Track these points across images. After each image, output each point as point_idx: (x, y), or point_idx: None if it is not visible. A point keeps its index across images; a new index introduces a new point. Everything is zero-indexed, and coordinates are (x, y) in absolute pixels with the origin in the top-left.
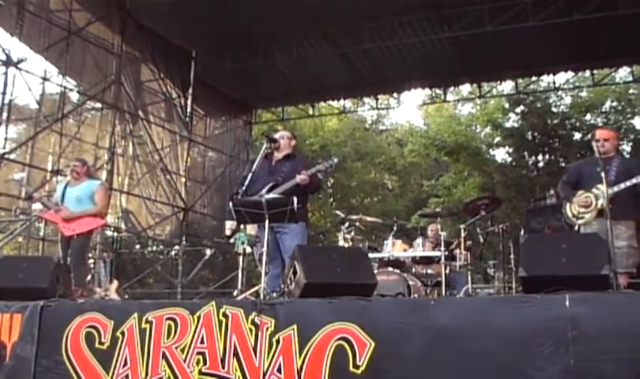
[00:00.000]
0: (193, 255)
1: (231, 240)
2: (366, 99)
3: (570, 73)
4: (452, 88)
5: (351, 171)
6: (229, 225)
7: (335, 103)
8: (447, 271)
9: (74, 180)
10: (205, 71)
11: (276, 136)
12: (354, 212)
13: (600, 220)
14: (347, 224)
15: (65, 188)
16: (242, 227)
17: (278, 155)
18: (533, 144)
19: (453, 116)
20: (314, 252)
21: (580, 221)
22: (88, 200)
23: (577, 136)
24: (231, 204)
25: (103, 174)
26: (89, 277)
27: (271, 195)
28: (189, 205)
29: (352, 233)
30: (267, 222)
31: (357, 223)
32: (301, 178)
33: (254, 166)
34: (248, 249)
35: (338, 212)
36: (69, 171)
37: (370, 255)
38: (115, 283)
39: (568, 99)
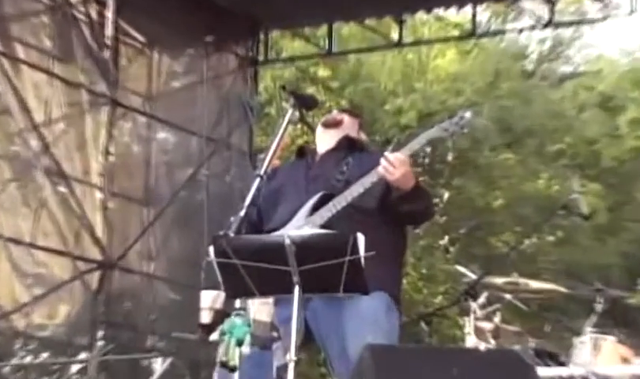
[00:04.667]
0: (126, 372)
1: (214, 336)
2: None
3: None
4: None
5: (489, 170)
6: (208, 301)
7: (453, 15)
8: None
9: None
10: None
11: (341, 109)
12: (498, 266)
13: None
14: (484, 297)
15: None
16: (237, 305)
17: (323, 146)
18: None
19: None
20: (406, 358)
21: None
22: None
23: None
24: (212, 249)
25: None
26: None
27: (306, 230)
28: (112, 256)
29: (498, 315)
30: (297, 292)
31: (508, 294)
32: (390, 160)
33: (268, 160)
34: None
35: (462, 269)
36: None
37: (544, 373)
38: None
39: None
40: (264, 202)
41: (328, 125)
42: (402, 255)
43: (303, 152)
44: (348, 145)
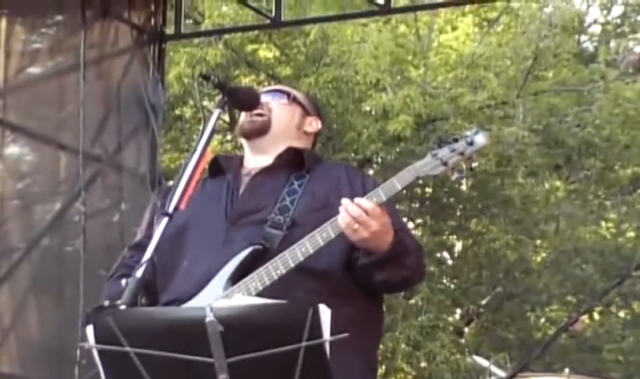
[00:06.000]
0: None
1: None
2: None
3: None
4: None
5: (527, 207)
6: None
7: None
8: None
9: None
10: None
11: (264, 91)
12: (541, 357)
13: None
14: None
15: None
16: None
17: (252, 161)
18: None
19: None
20: None
21: None
22: None
23: None
24: (91, 330)
25: None
26: None
27: (239, 299)
28: None
29: None
30: None
31: None
32: (353, 215)
33: (181, 189)
34: None
35: (483, 362)
36: None
37: None
38: None
39: None
40: (159, 252)
41: (247, 134)
42: (378, 339)
43: (220, 168)
44: (291, 161)
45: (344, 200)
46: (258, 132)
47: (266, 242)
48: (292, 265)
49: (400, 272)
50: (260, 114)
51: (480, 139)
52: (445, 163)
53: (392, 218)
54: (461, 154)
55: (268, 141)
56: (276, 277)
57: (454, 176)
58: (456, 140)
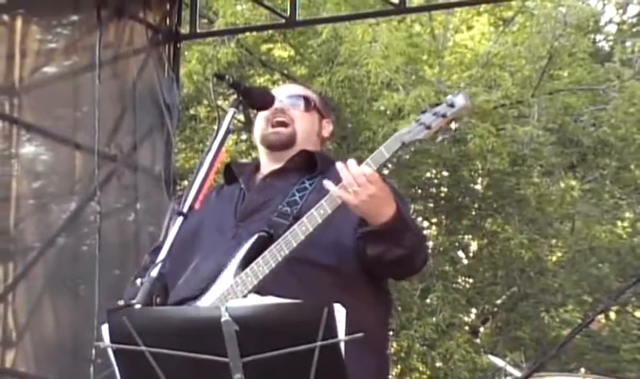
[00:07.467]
0: None
1: None
2: None
3: None
4: None
5: (542, 206)
6: None
7: None
8: None
9: None
10: None
11: (279, 91)
12: (557, 356)
13: None
14: None
15: None
16: None
17: (266, 165)
18: None
19: None
20: None
21: None
22: None
23: None
24: (106, 329)
25: None
26: None
27: (254, 299)
28: None
29: None
30: None
31: None
32: (352, 173)
33: (196, 189)
34: None
35: (498, 361)
36: None
37: None
38: None
39: None
40: (173, 253)
41: (273, 146)
42: (388, 338)
43: (233, 174)
44: (304, 163)
45: (340, 164)
46: (285, 146)
47: (270, 229)
48: (295, 245)
49: (397, 249)
50: (283, 124)
51: (460, 100)
52: (428, 127)
53: (396, 200)
54: (443, 116)
55: (291, 153)
56: (280, 259)
57: (439, 138)
58: (438, 105)
